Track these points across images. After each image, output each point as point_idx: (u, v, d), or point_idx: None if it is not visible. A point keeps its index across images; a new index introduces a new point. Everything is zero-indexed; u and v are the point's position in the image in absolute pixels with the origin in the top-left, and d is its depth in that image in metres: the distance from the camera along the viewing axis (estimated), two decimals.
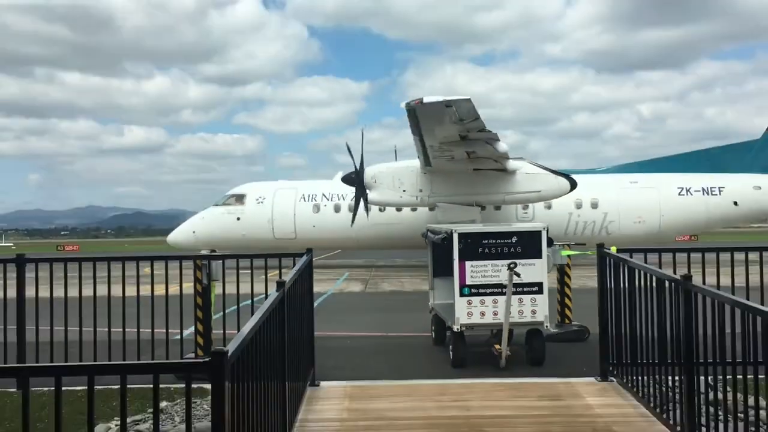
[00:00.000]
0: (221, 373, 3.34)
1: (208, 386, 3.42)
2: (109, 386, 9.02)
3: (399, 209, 31.77)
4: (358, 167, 28.91)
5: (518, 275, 10.13)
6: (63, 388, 3.35)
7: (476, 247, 10.47)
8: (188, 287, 10.07)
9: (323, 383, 9.30)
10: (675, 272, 7.59)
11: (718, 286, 8.45)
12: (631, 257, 8.39)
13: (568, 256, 13.29)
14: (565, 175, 29.23)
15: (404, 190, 29.00)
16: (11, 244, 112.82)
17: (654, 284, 7.32)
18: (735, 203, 32.08)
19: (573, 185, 28.95)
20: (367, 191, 28.98)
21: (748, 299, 5.86)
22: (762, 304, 8.58)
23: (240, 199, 34.11)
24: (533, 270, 10.44)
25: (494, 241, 10.49)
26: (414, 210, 31.59)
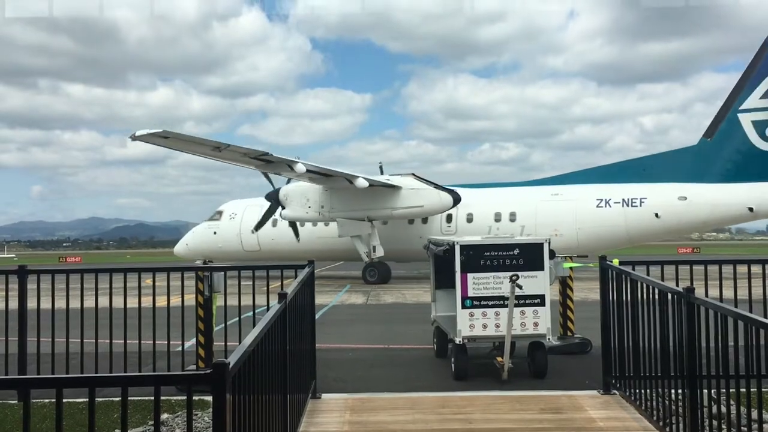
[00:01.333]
0: (222, 385, 3.34)
1: (210, 398, 3.42)
2: (111, 398, 9.01)
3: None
4: (274, 186, 32.85)
5: (520, 287, 10.12)
6: (64, 400, 3.35)
7: (478, 259, 10.46)
8: (190, 299, 10.06)
9: (324, 395, 9.27)
10: (677, 285, 7.57)
11: (721, 299, 8.45)
12: (633, 269, 8.38)
13: (570, 268, 13.28)
14: (449, 190, 31.15)
15: (309, 207, 32.27)
16: (13, 256, 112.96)
17: (656, 297, 7.31)
18: (656, 215, 31.06)
19: (456, 200, 31.10)
20: (282, 208, 32.78)
21: (750, 312, 5.84)
22: (765, 317, 8.55)
23: (219, 214, 37.80)
24: (535, 282, 10.43)
25: (496, 253, 10.49)
26: None
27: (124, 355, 9.76)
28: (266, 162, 28.68)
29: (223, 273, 10.35)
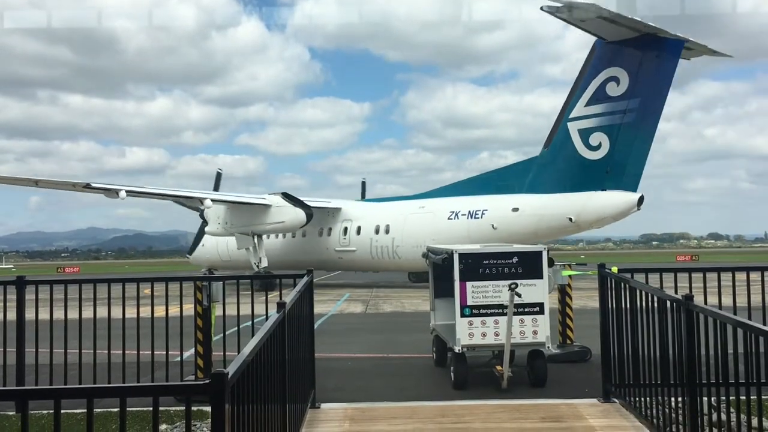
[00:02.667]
0: (221, 396, 3.33)
1: (208, 408, 3.40)
2: (109, 409, 8.97)
3: (277, 236, 39.54)
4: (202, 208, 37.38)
5: (519, 296, 10.11)
6: (62, 411, 3.34)
7: (477, 267, 10.45)
8: (188, 309, 10.05)
9: (324, 405, 9.24)
10: (676, 292, 7.57)
11: (720, 306, 8.45)
12: (632, 277, 8.38)
13: (569, 276, 13.28)
14: (306, 207, 35.15)
15: (219, 223, 37.18)
16: (11, 266, 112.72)
17: (655, 304, 7.31)
18: (493, 227, 31.82)
19: (309, 216, 35.00)
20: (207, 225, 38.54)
21: (750, 319, 5.84)
22: (764, 324, 8.54)
23: None
24: (534, 290, 10.42)
25: (495, 261, 10.48)
26: (284, 236, 39.31)
27: (123, 366, 9.73)
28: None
29: (221, 283, 10.34)
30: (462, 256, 10.49)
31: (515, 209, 31.47)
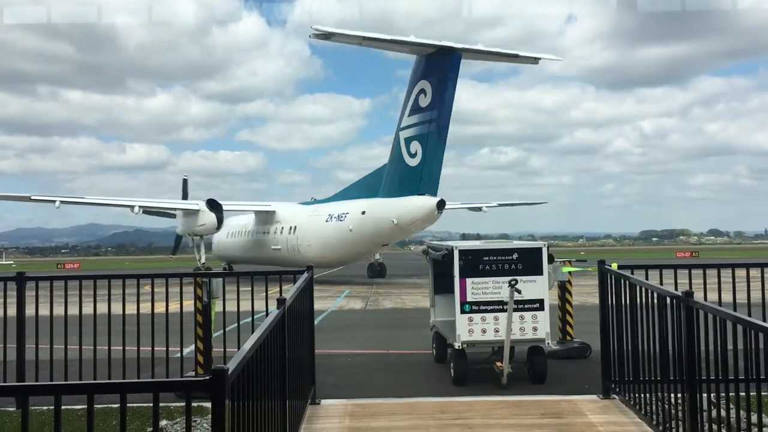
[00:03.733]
0: (222, 392, 3.33)
1: (209, 404, 3.41)
2: (109, 405, 8.98)
3: (238, 236, 47.26)
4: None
5: (519, 292, 10.12)
6: (63, 407, 3.34)
7: (477, 264, 10.46)
8: (189, 305, 10.05)
9: (324, 401, 9.25)
10: (676, 288, 7.57)
11: (720, 303, 8.46)
12: (632, 274, 8.38)
13: (570, 272, 13.28)
14: (219, 212, 40.04)
15: (179, 226, 44.26)
16: (11, 262, 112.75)
17: (655, 301, 7.31)
18: (350, 229, 35.18)
19: (220, 221, 40.06)
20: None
21: (750, 316, 5.84)
22: (764, 320, 8.55)
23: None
24: (534, 287, 10.43)
25: (495, 258, 10.49)
26: (244, 236, 45.28)
27: (123, 362, 9.74)
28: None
29: (221, 279, 10.34)
30: (462, 252, 10.49)
31: (363, 212, 34.69)
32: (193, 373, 10.20)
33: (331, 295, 29.58)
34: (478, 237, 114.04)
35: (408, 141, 32.09)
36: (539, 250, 10.59)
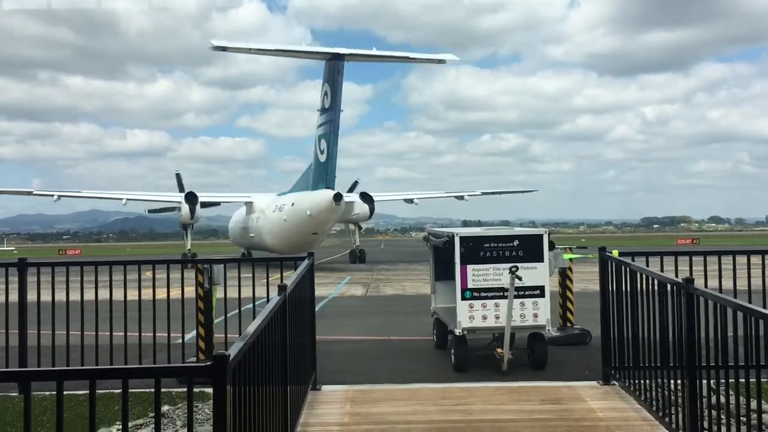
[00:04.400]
0: (223, 377, 3.34)
1: (210, 390, 3.42)
2: (111, 390, 9.03)
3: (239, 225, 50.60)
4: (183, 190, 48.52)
5: (520, 279, 10.13)
6: (65, 393, 3.35)
7: (478, 250, 10.47)
8: (190, 291, 10.06)
9: (325, 387, 9.29)
10: (677, 275, 7.57)
11: (720, 290, 8.46)
12: (633, 260, 8.38)
13: (570, 259, 13.29)
14: (194, 203, 44.08)
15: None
16: (13, 249, 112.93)
17: (656, 287, 7.31)
18: (284, 219, 38.79)
19: (193, 212, 44.09)
20: None
21: (750, 303, 5.85)
22: (764, 307, 8.56)
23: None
24: (535, 273, 10.44)
25: (496, 244, 10.49)
26: (242, 226, 47.61)
27: (125, 348, 9.78)
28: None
29: (222, 265, 10.35)
30: (463, 239, 10.49)
31: (293, 204, 38.28)
32: (194, 359, 10.24)
33: (332, 282, 29.64)
34: (479, 224, 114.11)
35: (319, 139, 36.69)
36: (540, 236, 10.59)
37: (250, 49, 36.52)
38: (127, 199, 47.44)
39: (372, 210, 46.14)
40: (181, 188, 50.35)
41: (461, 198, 55.93)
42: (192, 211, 44.39)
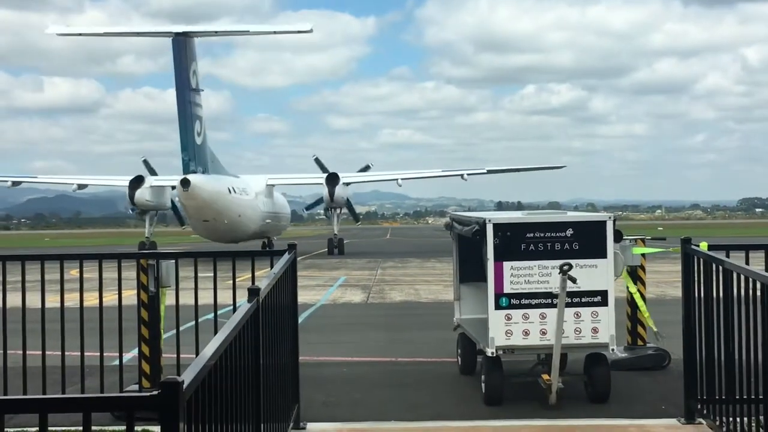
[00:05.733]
0: (174, 412, 3.35)
1: (157, 429, 3.44)
2: (25, 429, 9.07)
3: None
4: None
5: (574, 281, 10.13)
6: None
7: (518, 242, 10.46)
8: (130, 296, 10.09)
9: (311, 425, 9.34)
10: None
11: None
12: (727, 256, 8.36)
13: (643, 254, 13.28)
14: (133, 189, 50.82)
15: None
16: None
17: (758, 293, 7.30)
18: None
19: (132, 197, 51.06)
20: None
21: None
22: None
23: None
24: (595, 274, 10.43)
25: (542, 234, 10.48)
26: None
27: (43, 371, 9.82)
28: None
29: (174, 261, 10.36)
30: (498, 227, 10.48)
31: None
32: (136, 387, 10.28)
33: (321, 284, 29.72)
34: (519, 206, 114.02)
35: (195, 119, 44.06)
36: (602, 224, 10.58)
37: (96, 33, 49.22)
38: (80, 185, 59.80)
39: (332, 194, 52.90)
40: (152, 173, 55.66)
41: (462, 178, 60.06)
42: (131, 196, 51.14)
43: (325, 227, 79.29)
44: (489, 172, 63.21)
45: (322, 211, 72.55)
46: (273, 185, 53.57)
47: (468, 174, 59.95)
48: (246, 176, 52.36)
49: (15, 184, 57.94)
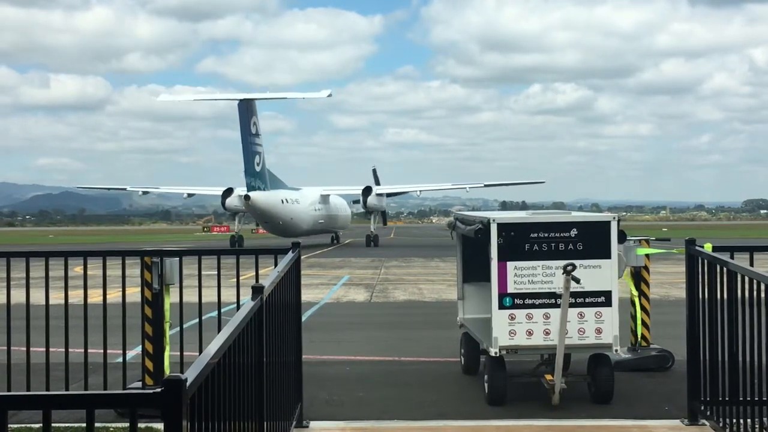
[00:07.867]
0: (177, 409, 3.35)
1: (160, 426, 3.44)
2: (29, 425, 9.09)
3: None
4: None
5: (578, 281, 10.12)
6: None
7: (522, 242, 10.46)
8: (134, 293, 10.10)
9: (313, 423, 9.34)
10: None
11: None
12: (731, 258, 8.35)
13: (647, 255, 13.27)
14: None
15: None
16: None
17: (763, 294, 7.29)
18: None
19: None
20: None
21: None
22: None
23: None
24: (599, 274, 10.42)
25: (546, 234, 10.48)
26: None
27: (47, 368, 9.83)
28: None
29: (178, 259, 10.36)
30: (502, 226, 10.48)
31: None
32: (139, 384, 10.29)
33: (325, 282, 29.76)
34: (523, 206, 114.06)
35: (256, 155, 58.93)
36: (606, 224, 10.57)
37: (187, 99, 68.54)
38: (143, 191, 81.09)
39: (365, 202, 68.72)
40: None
41: (466, 191, 78.21)
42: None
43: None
44: (486, 186, 79.23)
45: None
46: (327, 195, 68.19)
47: (470, 188, 77.43)
48: (306, 189, 67.77)
49: (144, 193, 78.92)
